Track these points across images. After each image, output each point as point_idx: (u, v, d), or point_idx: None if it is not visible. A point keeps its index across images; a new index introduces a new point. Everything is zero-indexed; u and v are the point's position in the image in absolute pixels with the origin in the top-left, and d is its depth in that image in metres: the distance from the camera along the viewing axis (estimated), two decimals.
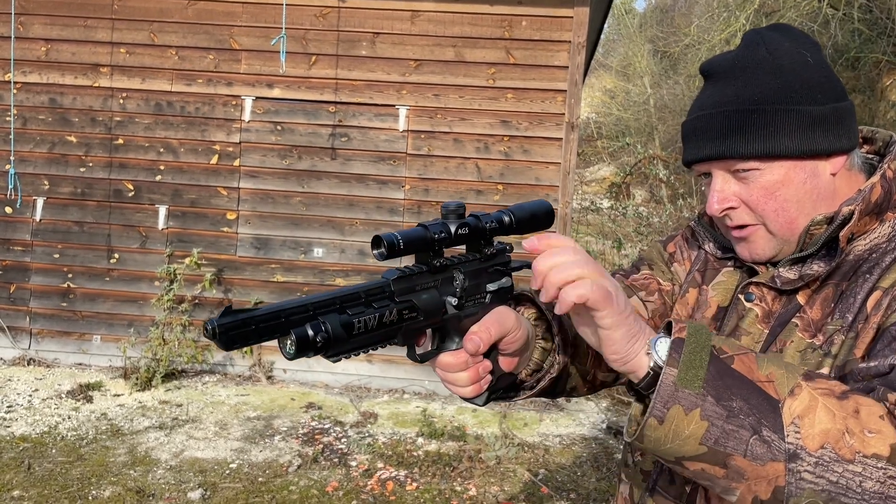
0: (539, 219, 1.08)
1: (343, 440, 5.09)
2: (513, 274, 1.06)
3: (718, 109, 1.17)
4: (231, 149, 6.03)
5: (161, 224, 6.10)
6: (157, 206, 6.10)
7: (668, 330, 0.96)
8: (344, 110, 5.93)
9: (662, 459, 0.93)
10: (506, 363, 1.06)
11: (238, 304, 5.99)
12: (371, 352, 0.89)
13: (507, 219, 1.03)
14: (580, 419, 5.64)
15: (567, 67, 5.67)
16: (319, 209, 6.02)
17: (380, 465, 4.75)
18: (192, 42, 5.98)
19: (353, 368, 6.07)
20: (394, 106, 5.88)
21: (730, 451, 0.86)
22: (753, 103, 1.13)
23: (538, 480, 4.64)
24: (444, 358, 0.97)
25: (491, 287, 1.02)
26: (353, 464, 4.74)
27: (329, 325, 0.81)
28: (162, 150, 6.07)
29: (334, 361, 0.86)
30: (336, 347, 0.82)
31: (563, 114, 5.70)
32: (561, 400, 5.95)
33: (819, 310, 1.13)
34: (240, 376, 6.11)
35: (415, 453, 4.94)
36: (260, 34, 5.90)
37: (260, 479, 4.48)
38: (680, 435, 0.87)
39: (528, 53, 5.72)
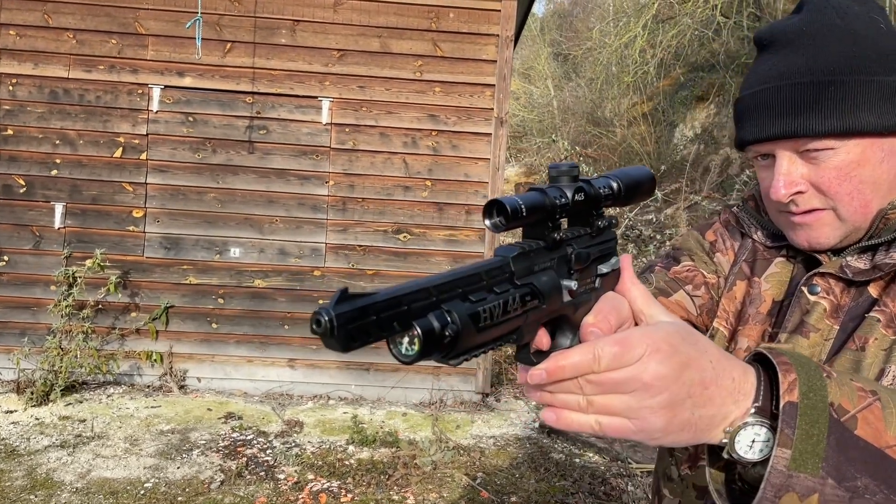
0: (643, 187, 0.90)
1: (268, 451, 4.78)
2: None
3: (787, 81, 1.04)
4: (137, 141, 5.58)
5: (57, 223, 5.57)
6: (52, 203, 5.56)
7: (760, 363, 0.79)
8: (262, 101, 5.60)
9: None
10: None
11: (146, 309, 5.57)
12: (490, 350, 0.69)
13: (615, 185, 0.85)
14: (511, 419, 5.55)
15: (495, 62, 5.58)
16: (236, 206, 5.66)
17: (310, 476, 4.48)
18: (92, 25, 5.49)
19: (275, 374, 5.75)
20: (316, 98, 5.60)
21: None
22: (828, 74, 1.01)
23: (477, 485, 4.50)
24: (554, 359, 0.78)
25: (603, 269, 0.84)
26: (282, 476, 4.45)
27: (456, 314, 0.61)
28: (58, 142, 5.54)
29: (454, 364, 0.65)
30: (463, 344, 0.62)
31: (492, 109, 5.60)
32: (490, 399, 5.85)
33: None
34: (149, 387, 5.66)
35: (346, 462, 4.70)
36: (169, 18, 5.48)
37: (179, 498, 4.13)
38: None
39: (456, 46, 5.59)
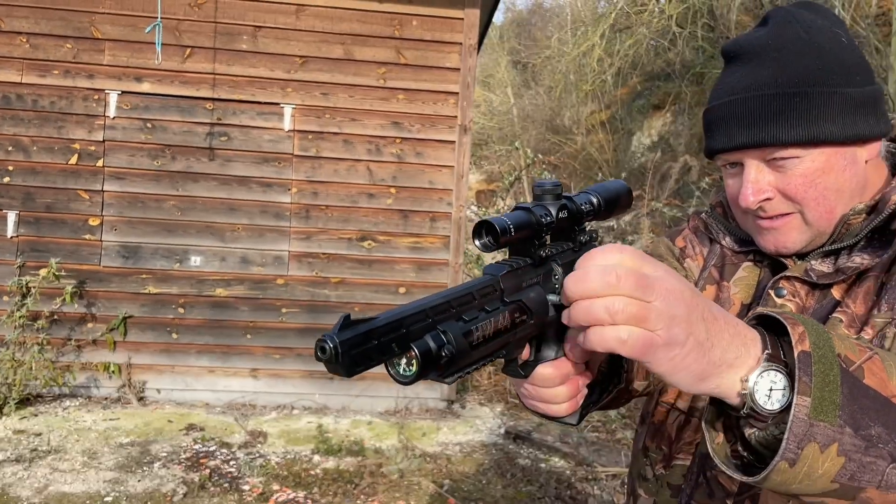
0: (622, 201, 0.94)
1: (232, 463, 4.70)
2: None
3: (754, 93, 1.07)
4: (93, 148, 5.46)
5: (10, 231, 5.41)
6: (4, 211, 5.40)
7: (761, 323, 0.79)
8: (223, 108, 5.53)
9: (773, 491, 0.78)
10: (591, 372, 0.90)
11: (103, 319, 5.45)
12: (483, 366, 0.69)
13: (596, 200, 0.88)
14: (477, 426, 5.56)
15: (459, 70, 5.60)
16: (197, 214, 5.57)
17: (275, 487, 4.42)
18: (47, 29, 5.36)
19: (237, 384, 5.66)
20: (278, 104, 5.55)
21: (864, 484, 0.74)
22: (794, 86, 1.05)
23: (444, 492, 4.49)
24: (544, 370, 0.78)
25: None
26: (246, 488, 4.38)
27: (451, 334, 0.63)
28: (10, 148, 5.39)
29: (450, 382, 0.67)
30: (458, 363, 0.64)
31: (456, 116, 5.62)
32: (456, 406, 5.85)
33: (863, 304, 1.05)
34: (107, 399, 5.52)
35: (312, 472, 4.65)
36: (126, 23, 5.38)
37: None
38: (812, 475, 0.72)
39: (420, 54, 5.60)
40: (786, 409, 0.73)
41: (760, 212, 1.11)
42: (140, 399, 5.52)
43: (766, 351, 0.75)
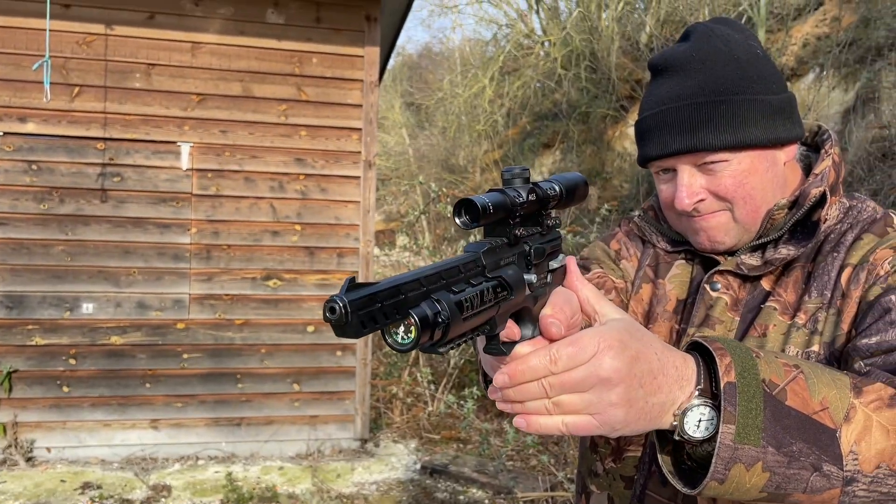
0: (580, 191, 0.96)
1: None
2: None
3: (684, 102, 1.15)
4: None
5: None
6: None
7: (696, 350, 0.86)
8: (116, 147, 5.31)
9: None
10: None
11: None
12: (469, 340, 0.70)
13: (558, 188, 0.90)
14: (392, 463, 5.47)
15: (361, 106, 5.63)
16: (88, 259, 5.28)
17: None
18: None
19: (136, 437, 5.34)
20: (175, 143, 5.39)
21: (790, 491, 0.82)
22: (719, 94, 1.14)
23: None
24: (522, 348, 0.79)
25: (553, 265, 0.89)
26: None
27: (444, 303, 0.64)
28: None
29: (443, 353, 0.67)
30: (451, 332, 0.64)
31: (360, 152, 5.63)
32: (370, 445, 5.74)
33: (793, 292, 1.14)
34: None
35: None
36: (8, 61, 5.11)
37: None
38: (741, 488, 0.81)
39: (321, 91, 5.59)
40: (714, 435, 0.80)
41: (695, 213, 1.18)
42: (28, 460, 5.10)
43: (698, 387, 0.83)
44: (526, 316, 0.82)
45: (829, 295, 1.10)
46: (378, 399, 6.57)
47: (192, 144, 5.40)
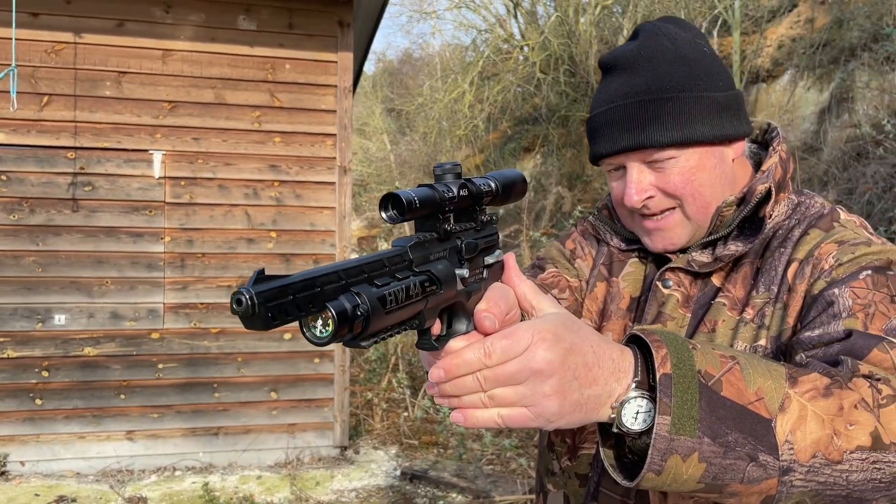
0: (517, 188, 0.97)
1: None
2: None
3: (632, 100, 1.16)
4: None
5: None
6: None
7: (635, 343, 0.87)
8: (86, 156, 5.26)
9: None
10: None
11: None
12: (396, 333, 0.70)
13: (494, 184, 0.91)
14: (372, 469, 5.44)
15: (335, 111, 5.61)
16: (60, 269, 5.22)
17: None
18: None
19: (111, 449, 5.27)
20: (147, 151, 5.34)
21: (727, 481, 0.83)
22: (666, 91, 1.15)
23: None
24: (456, 343, 0.79)
25: (489, 260, 0.89)
26: None
27: (364, 296, 0.63)
28: None
29: (365, 346, 0.67)
30: (373, 326, 0.64)
31: (335, 157, 5.60)
32: (350, 452, 5.71)
33: (742, 287, 1.15)
34: None
35: None
36: None
37: None
38: (678, 479, 0.81)
39: (294, 97, 5.57)
40: (651, 428, 0.80)
41: (645, 209, 1.18)
42: (1, 474, 5.02)
43: (636, 379, 0.83)
44: (460, 311, 0.82)
45: (775, 290, 1.11)
46: (358, 406, 6.54)
47: (164, 152, 5.36)
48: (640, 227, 1.23)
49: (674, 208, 1.18)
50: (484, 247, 0.88)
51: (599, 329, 1.27)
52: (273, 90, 5.54)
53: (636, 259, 1.30)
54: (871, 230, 1.15)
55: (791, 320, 1.08)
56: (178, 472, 5.27)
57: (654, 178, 1.17)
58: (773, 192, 1.15)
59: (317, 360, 5.61)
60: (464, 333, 0.81)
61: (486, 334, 0.79)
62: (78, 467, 5.20)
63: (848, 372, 0.91)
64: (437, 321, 0.81)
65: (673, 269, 1.21)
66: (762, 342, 1.09)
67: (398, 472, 5.39)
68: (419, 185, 0.79)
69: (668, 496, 1.10)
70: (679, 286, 1.20)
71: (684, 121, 1.13)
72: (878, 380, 0.88)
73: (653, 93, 1.15)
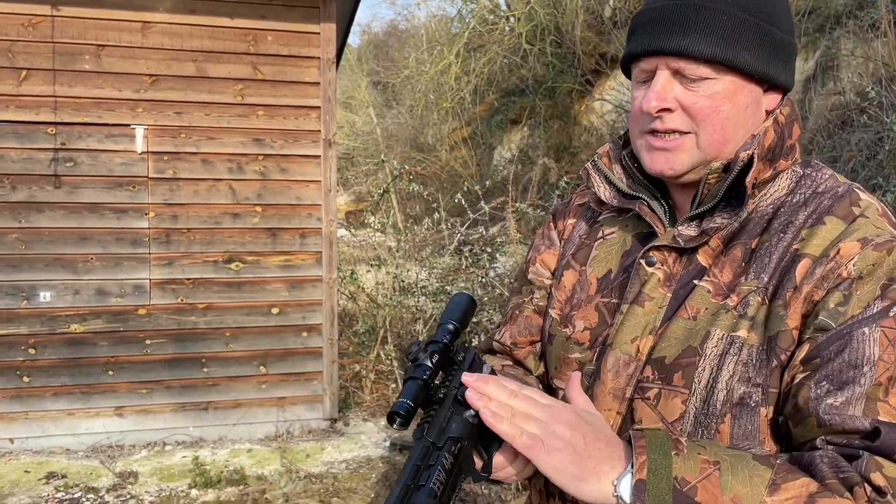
0: (469, 312, 1.09)
1: None
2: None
3: (685, 2, 1.05)
4: None
5: None
6: None
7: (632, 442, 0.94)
8: (67, 132, 5.19)
9: None
10: None
11: None
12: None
13: (452, 327, 1.05)
14: (362, 441, 5.48)
15: (319, 84, 5.56)
16: (43, 246, 5.18)
17: None
18: None
19: (101, 425, 5.28)
20: (129, 125, 5.28)
21: None
22: (726, 4, 1.05)
23: None
24: (498, 458, 1.00)
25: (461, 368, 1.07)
26: None
27: (419, 500, 0.83)
28: None
29: None
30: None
31: (319, 130, 5.56)
32: (339, 424, 5.75)
33: (730, 271, 1.07)
34: None
35: None
36: None
37: None
38: None
39: (278, 69, 5.51)
40: None
41: (658, 122, 1.08)
42: None
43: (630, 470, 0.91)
44: (485, 437, 0.98)
45: (765, 278, 1.03)
46: (347, 379, 6.57)
47: (146, 127, 5.30)
48: (646, 144, 1.12)
49: (687, 133, 1.08)
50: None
51: (567, 316, 1.23)
52: (255, 62, 5.48)
53: (602, 240, 1.24)
54: (891, 214, 1.05)
55: (791, 322, 0.99)
56: (168, 447, 5.29)
57: (682, 94, 1.06)
58: (756, 160, 1.05)
59: (305, 335, 5.62)
60: (499, 449, 1.00)
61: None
62: (68, 444, 5.21)
63: (856, 477, 0.86)
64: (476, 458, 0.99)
65: (659, 248, 1.13)
66: (741, 333, 1.02)
67: (388, 444, 5.43)
68: (405, 380, 0.96)
69: None
70: (663, 264, 1.12)
71: (733, 41, 1.03)
72: (886, 495, 0.85)
73: (710, 1, 1.05)
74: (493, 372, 1.07)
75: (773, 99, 1.12)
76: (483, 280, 6.92)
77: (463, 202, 7.04)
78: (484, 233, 7.38)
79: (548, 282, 1.31)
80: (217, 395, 5.48)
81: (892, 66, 7.49)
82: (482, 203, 6.89)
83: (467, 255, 7.09)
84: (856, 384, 0.92)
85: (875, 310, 0.95)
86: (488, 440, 0.98)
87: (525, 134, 17.31)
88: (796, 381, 0.97)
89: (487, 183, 12.57)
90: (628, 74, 1.15)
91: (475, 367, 1.05)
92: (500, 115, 18.25)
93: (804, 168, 1.12)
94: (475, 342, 6.67)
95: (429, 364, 0.97)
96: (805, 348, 0.97)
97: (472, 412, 0.95)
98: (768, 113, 1.11)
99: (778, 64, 1.08)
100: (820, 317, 0.97)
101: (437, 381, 0.99)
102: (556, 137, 15.88)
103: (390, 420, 0.91)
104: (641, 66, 1.10)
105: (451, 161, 17.19)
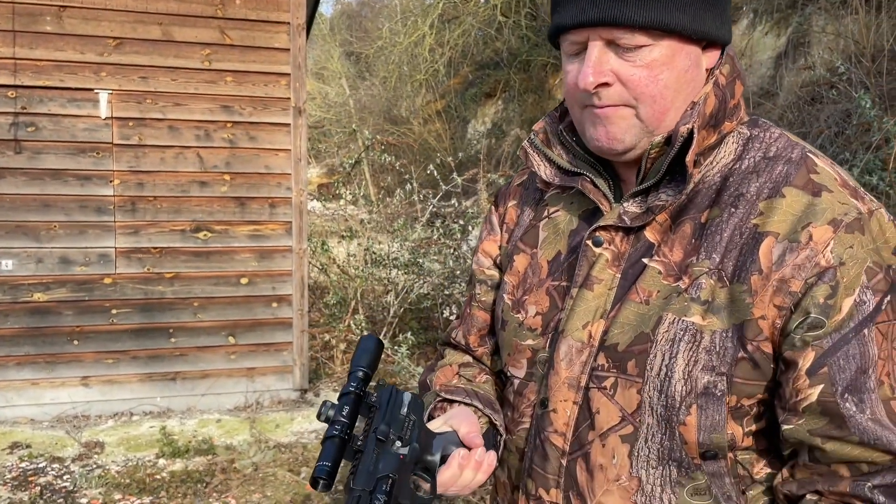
0: (378, 353, 1.10)
1: (66, 477, 4.34)
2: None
3: None
4: None
5: None
6: None
7: None
8: (28, 95, 5.05)
9: None
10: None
11: None
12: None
13: (362, 374, 1.06)
14: None
15: (289, 50, 5.45)
16: (5, 213, 5.05)
17: (117, 496, 4.13)
18: None
19: (66, 395, 5.21)
20: (92, 90, 5.14)
21: None
22: None
23: (301, 479, 4.39)
24: (442, 476, 1.04)
25: (403, 411, 1.06)
26: (84, 501, 4.06)
27: None
28: None
29: None
30: None
31: (289, 98, 5.47)
32: (310, 394, 5.73)
33: (680, 249, 1.02)
34: None
35: (158, 476, 4.39)
36: None
37: None
38: None
39: (246, 34, 5.39)
40: None
41: (595, 99, 1.02)
42: None
43: None
44: (423, 458, 1.05)
45: (717, 259, 0.98)
46: (317, 349, 6.54)
47: (110, 92, 5.17)
48: (587, 116, 1.05)
49: (627, 106, 1.02)
50: (389, 418, 1.02)
51: (520, 301, 1.18)
52: (223, 27, 5.35)
53: (547, 220, 1.19)
54: (848, 179, 0.99)
55: (757, 311, 0.94)
56: (135, 417, 5.24)
57: (618, 66, 0.99)
58: (696, 133, 0.99)
59: (275, 305, 5.58)
60: (439, 467, 1.06)
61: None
62: (32, 413, 5.14)
63: None
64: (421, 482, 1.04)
65: (605, 227, 1.08)
66: (695, 319, 0.97)
67: None
68: (323, 441, 0.96)
69: (594, 478, 1.05)
70: (610, 244, 1.07)
71: (667, 1, 0.96)
72: None
73: None
74: (413, 400, 1.08)
75: (712, 56, 1.05)
76: (455, 253, 6.92)
77: (436, 174, 7.00)
78: (457, 205, 7.35)
79: (488, 272, 1.28)
80: (185, 366, 5.43)
81: (862, 43, 7.56)
82: (455, 175, 6.85)
83: (439, 226, 7.06)
84: (869, 390, 0.93)
85: (870, 307, 0.92)
86: (429, 464, 1.04)
87: (499, 107, 17.24)
88: (809, 393, 0.94)
89: (461, 155, 12.52)
90: (557, 46, 1.08)
91: (394, 402, 1.05)
92: (475, 88, 18.14)
93: (751, 128, 1.06)
94: (446, 313, 6.67)
95: (342, 419, 0.98)
96: (808, 356, 0.94)
97: (398, 444, 0.99)
98: (709, 71, 1.06)
99: (714, 19, 1.02)
100: (811, 314, 0.93)
101: (356, 432, 1.00)
102: (531, 111, 15.84)
103: (314, 485, 0.93)
104: (571, 39, 1.03)
105: (425, 134, 17.08)
